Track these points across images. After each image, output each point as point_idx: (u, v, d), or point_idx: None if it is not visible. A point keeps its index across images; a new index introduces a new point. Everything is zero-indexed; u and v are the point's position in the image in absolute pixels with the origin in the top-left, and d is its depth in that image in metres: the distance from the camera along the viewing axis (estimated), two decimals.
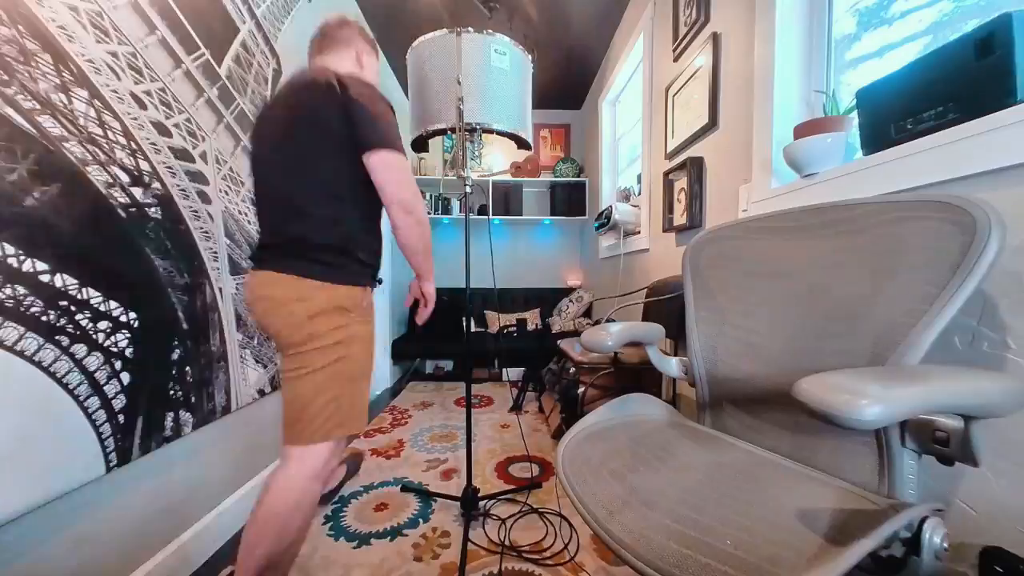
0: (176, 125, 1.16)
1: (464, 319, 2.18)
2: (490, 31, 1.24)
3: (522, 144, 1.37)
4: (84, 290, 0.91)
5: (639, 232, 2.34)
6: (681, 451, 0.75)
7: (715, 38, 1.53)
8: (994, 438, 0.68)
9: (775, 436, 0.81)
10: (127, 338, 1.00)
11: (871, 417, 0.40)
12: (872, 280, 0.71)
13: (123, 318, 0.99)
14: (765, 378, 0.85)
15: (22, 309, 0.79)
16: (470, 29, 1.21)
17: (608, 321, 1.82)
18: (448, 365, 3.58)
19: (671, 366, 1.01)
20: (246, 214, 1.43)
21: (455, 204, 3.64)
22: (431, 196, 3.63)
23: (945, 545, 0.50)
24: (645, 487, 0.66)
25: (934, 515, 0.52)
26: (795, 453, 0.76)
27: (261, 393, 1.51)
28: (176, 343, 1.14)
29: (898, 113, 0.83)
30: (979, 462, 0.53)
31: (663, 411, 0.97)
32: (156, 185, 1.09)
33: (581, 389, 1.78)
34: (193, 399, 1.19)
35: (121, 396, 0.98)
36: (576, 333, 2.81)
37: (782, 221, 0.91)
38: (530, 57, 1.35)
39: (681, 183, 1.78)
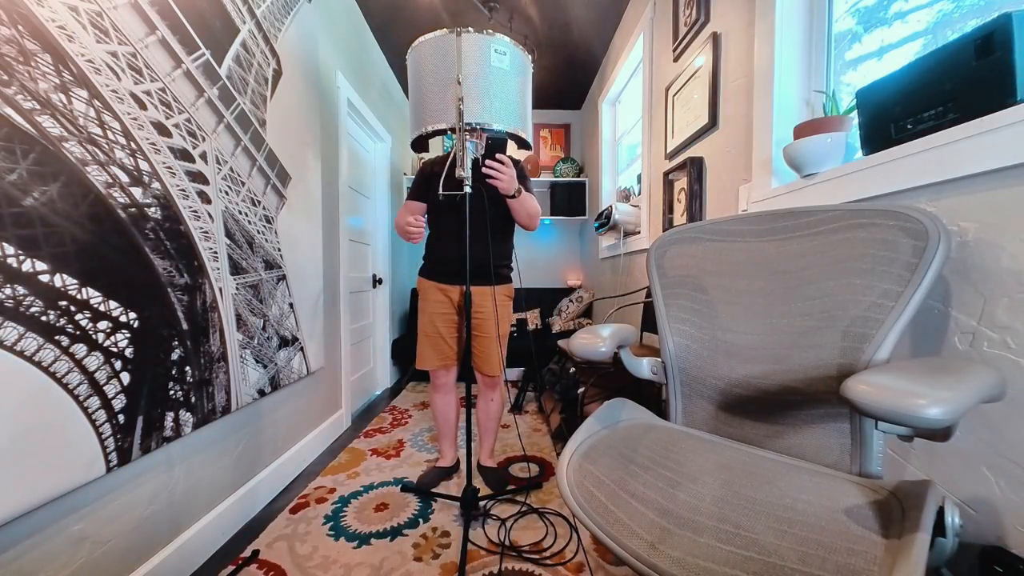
0: (176, 125, 1.16)
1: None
2: (490, 31, 1.24)
3: (522, 144, 1.37)
4: (84, 290, 0.91)
5: (639, 232, 2.34)
6: (681, 457, 0.73)
7: (715, 38, 1.53)
8: (994, 438, 0.68)
9: (748, 428, 0.85)
10: (127, 338, 1.00)
11: (938, 416, 0.42)
12: (837, 279, 0.76)
13: (123, 318, 0.99)
14: (742, 375, 0.87)
15: (22, 309, 0.79)
16: (470, 29, 1.21)
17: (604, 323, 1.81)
18: None
19: (642, 367, 0.99)
20: (246, 214, 1.43)
21: None
22: None
23: (960, 523, 0.51)
24: (675, 507, 0.60)
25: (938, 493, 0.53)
26: (768, 443, 0.81)
27: (261, 393, 1.51)
28: (176, 343, 1.14)
29: (898, 113, 0.83)
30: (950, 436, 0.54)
31: (640, 413, 0.96)
32: (156, 185, 1.09)
33: (581, 389, 1.78)
34: (193, 399, 1.19)
35: (121, 396, 0.98)
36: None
37: (742, 224, 0.94)
38: (530, 57, 1.35)
39: (681, 183, 1.78)
